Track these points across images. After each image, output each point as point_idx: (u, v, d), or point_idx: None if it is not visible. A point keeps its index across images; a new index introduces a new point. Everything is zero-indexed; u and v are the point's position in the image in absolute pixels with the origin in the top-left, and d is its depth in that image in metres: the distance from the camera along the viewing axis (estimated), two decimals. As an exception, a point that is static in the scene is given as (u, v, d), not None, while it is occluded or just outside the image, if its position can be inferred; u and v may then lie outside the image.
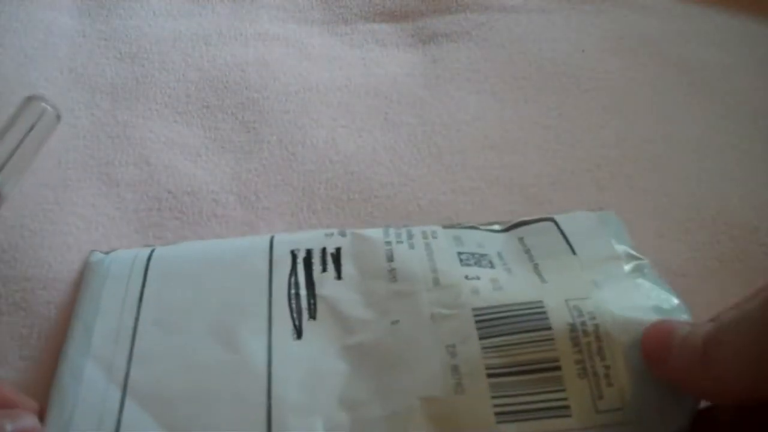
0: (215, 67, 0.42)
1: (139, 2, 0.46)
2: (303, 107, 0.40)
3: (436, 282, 0.27)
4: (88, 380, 0.26)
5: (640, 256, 0.28)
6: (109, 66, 0.42)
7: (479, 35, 0.44)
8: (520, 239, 0.30)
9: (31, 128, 0.34)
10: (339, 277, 0.28)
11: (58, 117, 0.36)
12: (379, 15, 0.46)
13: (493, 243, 0.30)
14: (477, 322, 0.25)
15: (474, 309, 0.26)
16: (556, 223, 0.30)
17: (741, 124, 0.39)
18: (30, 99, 0.35)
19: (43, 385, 0.27)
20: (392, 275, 0.28)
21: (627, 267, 0.28)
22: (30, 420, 0.24)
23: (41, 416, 0.25)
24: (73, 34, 0.44)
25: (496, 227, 0.31)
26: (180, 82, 0.41)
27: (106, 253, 0.31)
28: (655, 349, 0.23)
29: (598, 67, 0.42)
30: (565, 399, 0.24)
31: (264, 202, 0.35)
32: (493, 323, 0.25)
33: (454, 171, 0.36)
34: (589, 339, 0.24)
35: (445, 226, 0.31)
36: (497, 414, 0.24)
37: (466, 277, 0.27)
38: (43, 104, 0.35)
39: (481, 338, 0.25)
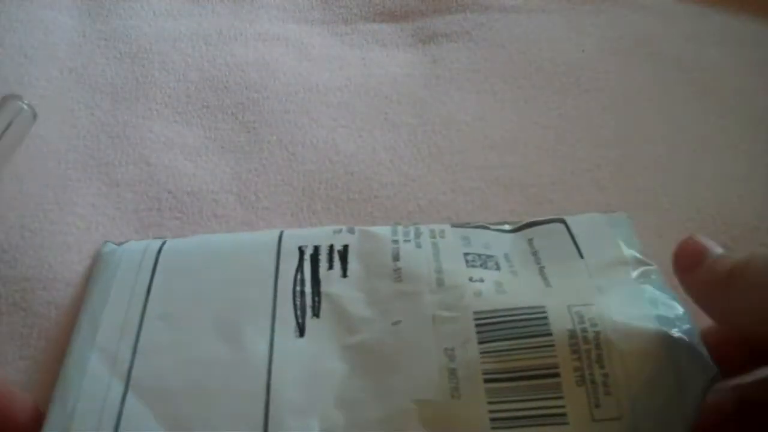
0: (215, 67, 0.42)
1: (139, 2, 0.46)
2: (303, 107, 0.40)
3: (440, 283, 0.27)
4: (92, 372, 0.26)
5: (649, 262, 0.28)
6: (109, 66, 0.42)
7: (479, 35, 0.44)
8: (529, 241, 0.30)
9: (8, 126, 0.34)
10: (345, 275, 0.28)
11: (35, 116, 0.36)
12: (379, 15, 0.46)
13: (501, 244, 0.30)
14: (477, 325, 0.25)
15: (475, 312, 0.25)
16: (566, 225, 0.30)
17: (741, 124, 0.39)
18: (6, 98, 0.36)
19: (43, 385, 0.27)
20: (397, 275, 0.28)
21: (634, 273, 0.27)
22: None
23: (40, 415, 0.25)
24: (73, 34, 0.44)
25: (506, 227, 0.31)
26: (180, 82, 0.41)
27: (119, 244, 0.31)
28: (686, 260, 0.24)
29: (598, 67, 0.42)
30: (562, 407, 0.23)
31: (264, 202, 0.35)
32: (493, 327, 0.25)
33: (454, 171, 0.36)
34: (588, 346, 0.24)
35: (454, 225, 0.31)
36: (492, 420, 0.23)
37: (470, 279, 0.27)
38: (20, 103, 0.35)
39: (480, 342, 0.25)
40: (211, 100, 0.40)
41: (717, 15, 0.46)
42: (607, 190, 0.35)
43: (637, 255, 0.28)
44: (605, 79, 0.41)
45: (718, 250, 0.23)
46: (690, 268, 0.23)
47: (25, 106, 0.35)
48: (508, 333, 0.25)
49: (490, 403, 0.24)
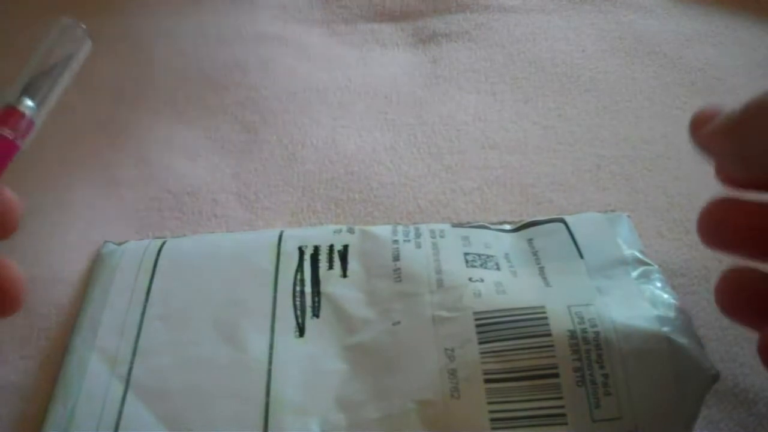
0: (215, 67, 0.42)
1: (139, 2, 0.46)
2: (303, 107, 0.40)
3: (440, 284, 0.27)
4: (92, 373, 0.26)
5: (649, 262, 0.28)
6: (109, 66, 0.42)
7: (479, 35, 0.44)
8: (529, 240, 0.30)
9: (68, 57, 0.31)
10: (344, 275, 0.28)
11: (89, 40, 0.33)
12: (379, 15, 0.46)
13: (501, 244, 0.30)
14: (477, 326, 0.25)
15: (475, 313, 0.25)
16: (566, 225, 0.30)
17: (741, 124, 0.39)
18: (64, 25, 0.32)
19: (43, 385, 0.27)
20: (397, 275, 0.28)
21: (634, 273, 0.27)
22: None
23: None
24: (73, 34, 0.44)
25: (506, 227, 0.31)
26: (180, 82, 0.41)
27: (119, 244, 0.31)
28: (700, 118, 0.22)
29: (598, 67, 0.42)
30: (561, 407, 0.23)
31: (264, 202, 0.35)
32: (493, 327, 0.25)
33: (454, 171, 0.36)
34: (588, 346, 0.24)
35: (454, 225, 0.31)
36: (492, 420, 0.23)
37: (470, 279, 0.27)
38: (77, 29, 0.32)
39: (480, 342, 0.25)
40: (211, 100, 0.40)
41: (717, 15, 0.46)
42: (607, 190, 0.35)
43: (638, 255, 0.28)
44: (605, 79, 0.41)
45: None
46: (702, 124, 0.22)
47: (81, 30, 0.32)
48: (508, 333, 0.25)
49: (490, 403, 0.24)
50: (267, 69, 0.42)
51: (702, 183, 0.36)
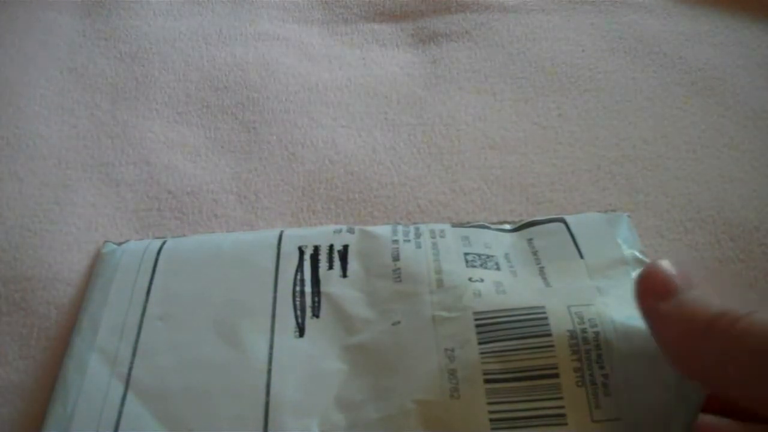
0: (215, 67, 0.42)
1: (139, 2, 0.46)
2: (303, 107, 0.40)
3: (440, 283, 0.27)
4: (92, 373, 0.26)
5: (649, 261, 0.28)
6: (109, 66, 0.42)
7: (479, 35, 0.44)
8: (529, 240, 0.30)
9: None
10: (344, 275, 0.28)
11: None
12: (379, 15, 0.46)
13: (501, 243, 0.30)
14: (477, 326, 0.25)
15: (475, 313, 0.25)
16: (566, 225, 0.30)
17: (741, 124, 0.39)
18: None
19: (43, 385, 0.27)
20: (397, 275, 0.28)
21: (634, 273, 0.27)
22: None
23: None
24: (73, 34, 0.44)
25: (507, 227, 0.31)
26: (180, 82, 0.41)
27: (119, 244, 0.31)
28: (653, 286, 0.21)
29: (598, 67, 0.42)
30: (561, 407, 0.23)
31: (264, 202, 0.35)
32: (493, 328, 0.25)
33: (454, 171, 0.36)
34: (588, 347, 0.24)
35: (454, 225, 0.31)
36: (492, 420, 0.23)
37: (470, 279, 0.27)
38: None
39: (480, 343, 0.25)
40: (211, 100, 0.40)
41: (717, 15, 0.46)
42: (607, 190, 0.35)
43: (637, 255, 0.28)
44: (605, 79, 0.41)
45: (687, 282, 0.21)
46: (656, 296, 0.21)
47: None
48: (508, 333, 0.25)
49: (489, 403, 0.24)
50: (267, 69, 0.42)
51: (702, 183, 0.36)
